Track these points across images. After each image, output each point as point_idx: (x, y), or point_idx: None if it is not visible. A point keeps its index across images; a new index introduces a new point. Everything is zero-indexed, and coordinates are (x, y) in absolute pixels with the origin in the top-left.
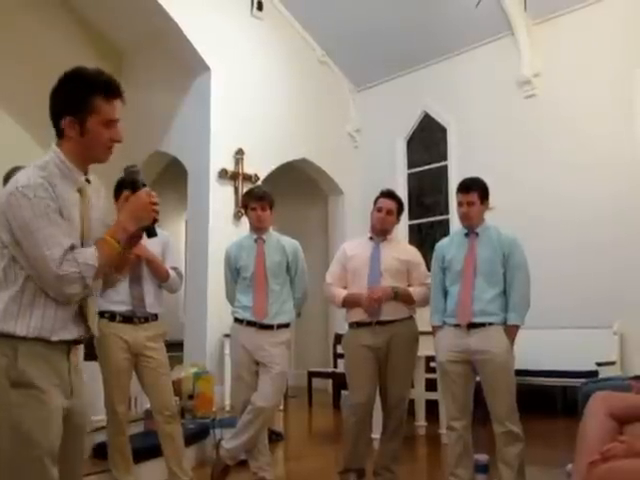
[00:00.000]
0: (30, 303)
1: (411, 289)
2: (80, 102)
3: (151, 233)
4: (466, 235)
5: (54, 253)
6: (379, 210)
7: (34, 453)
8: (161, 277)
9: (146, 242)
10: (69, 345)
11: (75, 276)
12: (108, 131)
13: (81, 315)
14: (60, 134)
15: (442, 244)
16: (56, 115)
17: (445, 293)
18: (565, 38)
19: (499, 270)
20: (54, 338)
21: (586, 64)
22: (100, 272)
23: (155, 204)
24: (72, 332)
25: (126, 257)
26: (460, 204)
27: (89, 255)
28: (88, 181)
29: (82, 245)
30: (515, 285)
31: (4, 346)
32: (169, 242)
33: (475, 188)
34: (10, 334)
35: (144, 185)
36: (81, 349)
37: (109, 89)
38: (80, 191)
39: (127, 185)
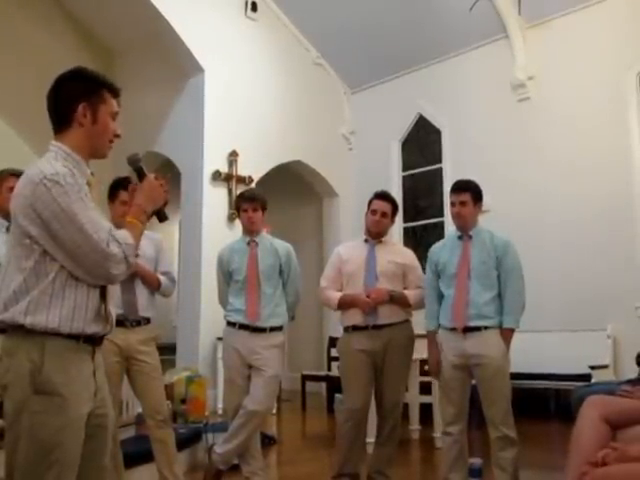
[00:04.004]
0: (61, 293)
1: (407, 292)
2: (93, 90)
3: (162, 217)
4: (459, 238)
5: (101, 235)
6: (374, 212)
7: (51, 460)
8: (153, 287)
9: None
10: (94, 346)
11: (121, 256)
12: (112, 124)
13: (104, 310)
14: (65, 126)
15: (435, 248)
16: (67, 103)
17: (439, 297)
18: (559, 41)
19: (493, 273)
20: (87, 331)
21: (580, 67)
22: (135, 252)
23: (164, 187)
24: (100, 326)
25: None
26: (453, 204)
27: (126, 235)
28: (92, 175)
29: None
30: (509, 288)
31: (31, 346)
32: (162, 245)
33: (468, 189)
34: (40, 328)
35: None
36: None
37: (112, 87)
38: (88, 183)
39: (127, 182)
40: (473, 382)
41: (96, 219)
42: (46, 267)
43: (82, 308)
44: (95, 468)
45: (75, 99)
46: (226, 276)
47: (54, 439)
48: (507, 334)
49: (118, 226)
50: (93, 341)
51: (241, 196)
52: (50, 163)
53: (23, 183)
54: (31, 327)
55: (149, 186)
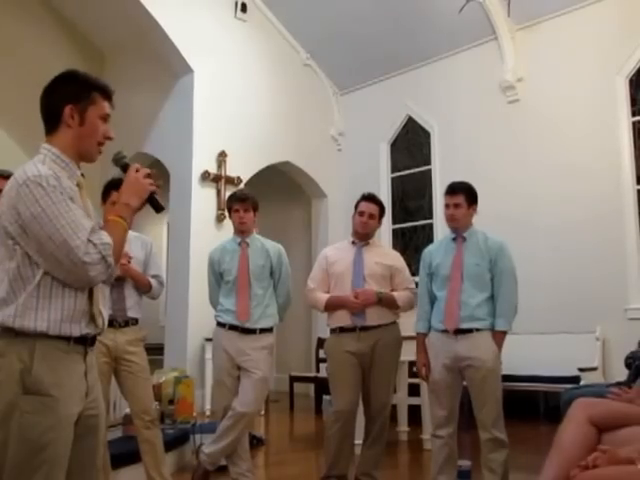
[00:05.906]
0: (48, 295)
1: (395, 293)
2: (82, 93)
3: (157, 208)
4: (453, 240)
5: (77, 240)
6: (361, 214)
7: (40, 460)
8: (144, 289)
9: (129, 249)
10: (85, 347)
11: (97, 257)
12: (103, 126)
13: (94, 311)
14: (54, 127)
15: (429, 250)
16: (56, 104)
17: (432, 300)
18: (548, 43)
19: (486, 275)
20: (75, 333)
21: (569, 69)
22: (116, 250)
23: (149, 176)
24: (91, 328)
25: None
26: (447, 206)
27: (103, 235)
28: (83, 176)
29: None
30: (502, 290)
31: (21, 347)
32: (152, 248)
33: (461, 190)
34: (29, 331)
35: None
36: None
37: (105, 89)
38: (78, 185)
39: (119, 183)
40: (464, 384)
41: (77, 221)
42: (32, 270)
43: (70, 311)
44: (87, 468)
45: (63, 101)
46: (217, 276)
47: (43, 439)
48: (499, 336)
49: None
50: (84, 342)
51: (232, 196)
52: (35, 165)
53: (9, 185)
54: (20, 330)
55: (129, 180)
